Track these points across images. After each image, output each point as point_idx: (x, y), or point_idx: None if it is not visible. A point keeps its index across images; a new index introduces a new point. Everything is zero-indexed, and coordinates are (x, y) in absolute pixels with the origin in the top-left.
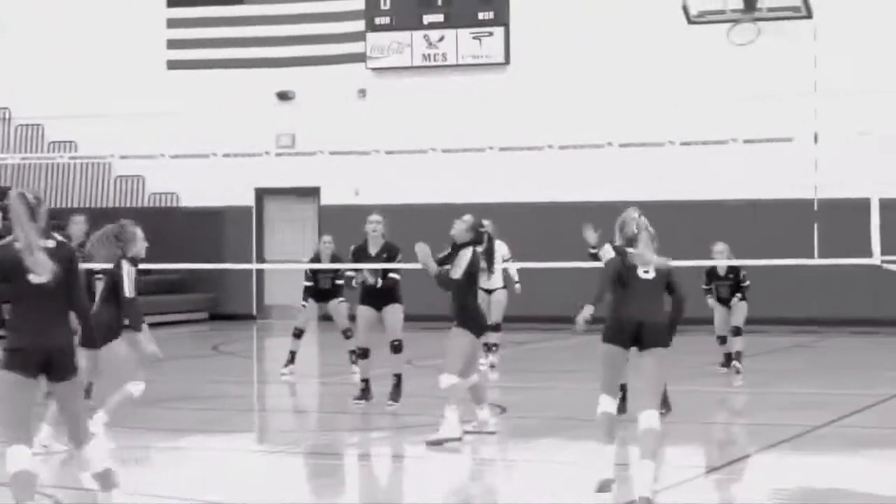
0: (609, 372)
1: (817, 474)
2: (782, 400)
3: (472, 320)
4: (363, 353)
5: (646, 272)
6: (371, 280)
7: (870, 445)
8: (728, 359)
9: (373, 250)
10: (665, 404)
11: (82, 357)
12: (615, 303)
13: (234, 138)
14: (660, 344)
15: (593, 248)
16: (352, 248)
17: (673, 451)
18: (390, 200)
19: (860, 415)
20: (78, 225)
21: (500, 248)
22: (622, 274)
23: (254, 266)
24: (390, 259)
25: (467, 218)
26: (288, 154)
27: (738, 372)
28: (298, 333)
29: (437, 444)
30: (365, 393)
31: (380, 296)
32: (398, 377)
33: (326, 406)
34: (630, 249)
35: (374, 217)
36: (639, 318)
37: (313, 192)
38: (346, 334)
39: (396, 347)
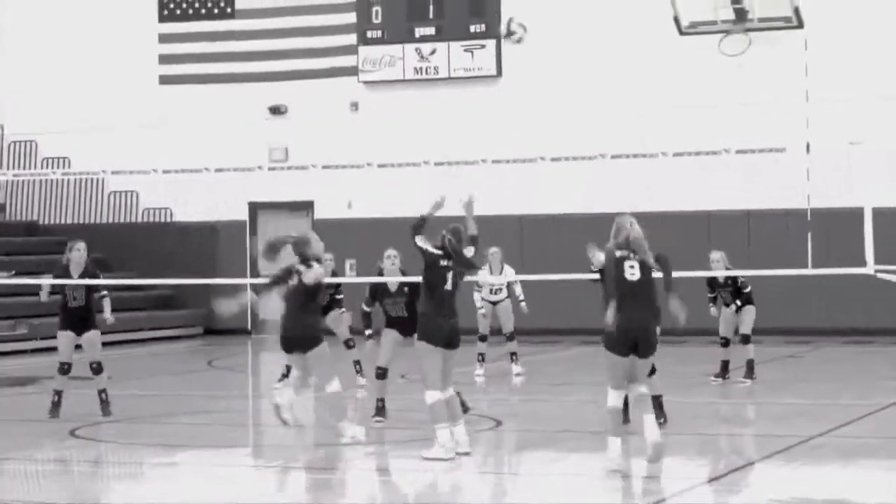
0: (614, 372)
1: (813, 484)
2: (777, 410)
3: (431, 330)
4: (382, 374)
5: (632, 274)
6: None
7: (865, 455)
8: (724, 368)
9: (392, 287)
10: (661, 414)
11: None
12: (612, 310)
13: (226, 153)
14: (654, 351)
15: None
16: (369, 285)
17: (670, 461)
18: (383, 214)
19: (855, 425)
20: (80, 252)
21: (508, 272)
22: (612, 272)
23: (248, 281)
24: (413, 292)
25: (452, 226)
26: (281, 168)
27: (745, 382)
28: None
29: (432, 459)
30: (381, 412)
31: (408, 324)
32: None
33: (323, 420)
34: (619, 252)
35: (391, 252)
36: (635, 330)
37: (307, 206)
38: (349, 344)
39: None
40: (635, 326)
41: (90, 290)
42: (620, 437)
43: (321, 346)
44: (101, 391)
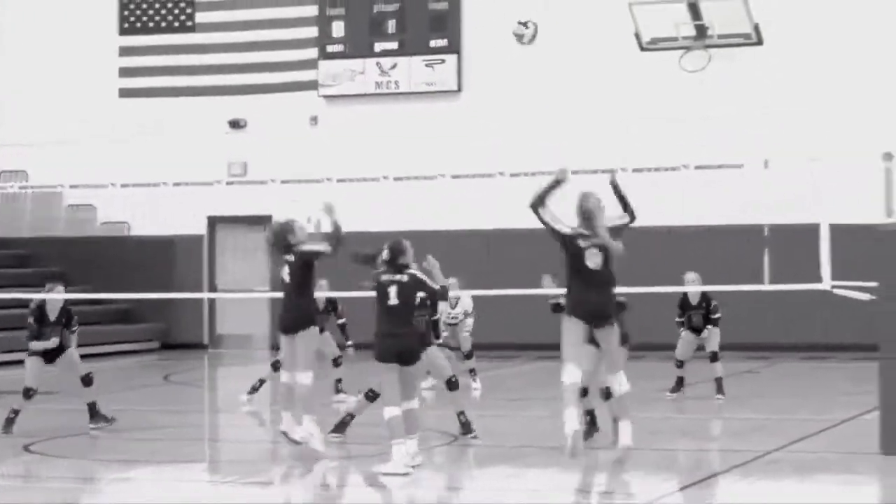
0: (572, 343)
1: (769, 499)
2: (734, 425)
3: (382, 348)
4: (373, 397)
5: (595, 263)
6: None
7: (821, 470)
8: (679, 383)
9: None
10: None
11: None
12: (573, 289)
13: (185, 167)
14: (612, 321)
15: (553, 297)
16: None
17: (627, 476)
18: (343, 228)
19: (811, 440)
20: (59, 293)
21: (464, 302)
22: (570, 252)
23: (205, 295)
24: (432, 306)
25: (393, 241)
26: (240, 182)
27: (719, 399)
28: (277, 365)
29: (388, 475)
30: (341, 427)
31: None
32: None
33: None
34: (581, 233)
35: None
36: (594, 307)
37: (265, 221)
38: (337, 362)
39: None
40: (594, 302)
41: (64, 328)
42: (577, 409)
43: (311, 330)
44: (92, 403)
